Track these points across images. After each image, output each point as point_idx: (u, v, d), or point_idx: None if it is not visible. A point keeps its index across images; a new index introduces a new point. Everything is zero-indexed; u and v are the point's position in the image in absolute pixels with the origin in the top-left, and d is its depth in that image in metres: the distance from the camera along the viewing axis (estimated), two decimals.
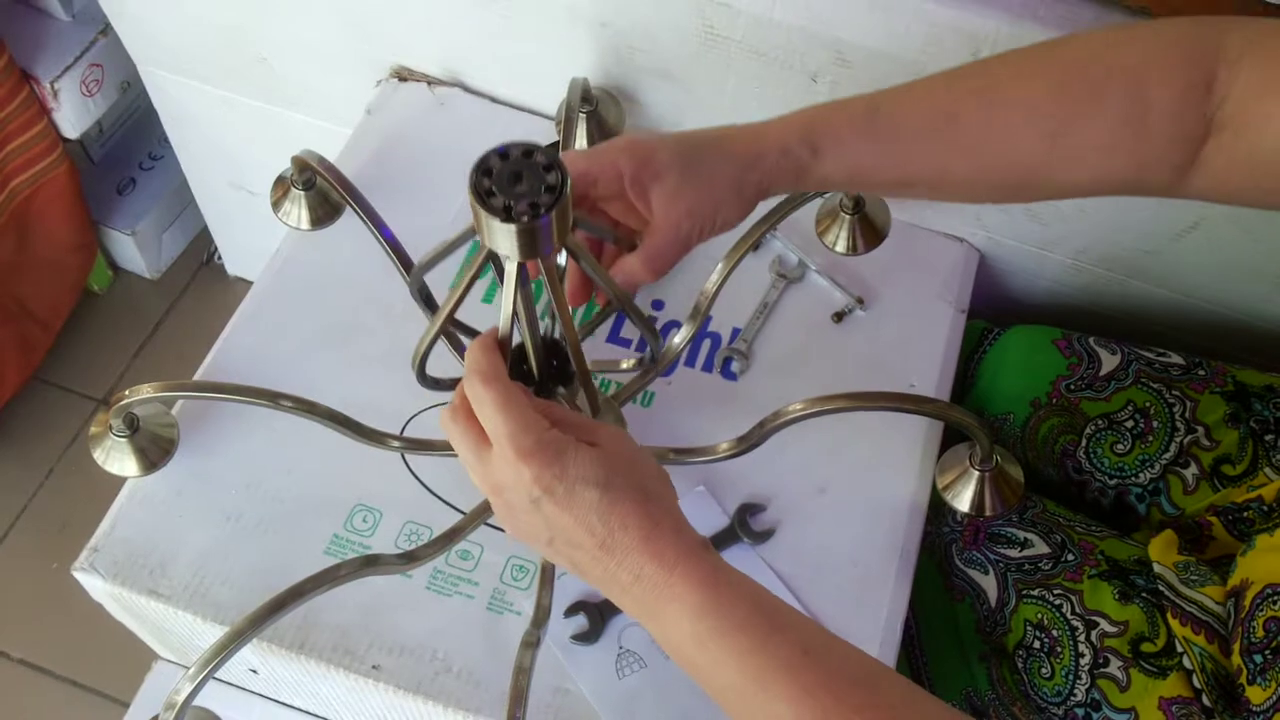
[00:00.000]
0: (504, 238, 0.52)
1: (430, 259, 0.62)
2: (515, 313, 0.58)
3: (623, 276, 0.65)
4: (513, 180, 0.51)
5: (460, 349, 0.76)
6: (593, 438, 0.55)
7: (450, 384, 0.76)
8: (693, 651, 0.52)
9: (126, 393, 0.76)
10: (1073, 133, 0.59)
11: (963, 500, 0.81)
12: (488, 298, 0.92)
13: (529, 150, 0.52)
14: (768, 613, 0.53)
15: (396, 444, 0.79)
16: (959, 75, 0.63)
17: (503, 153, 0.52)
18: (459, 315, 0.62)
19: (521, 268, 0.55)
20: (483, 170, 0.52)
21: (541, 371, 0.66)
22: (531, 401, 0.54)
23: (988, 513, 0.81)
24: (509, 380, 0.54)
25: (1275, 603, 0.68)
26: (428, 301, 0.71)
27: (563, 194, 0.51)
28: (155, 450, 0.81)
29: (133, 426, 0.80)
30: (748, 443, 0.77)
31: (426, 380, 0.71)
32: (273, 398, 0.76)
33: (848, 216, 0.87)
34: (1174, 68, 0.58)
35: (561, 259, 0.67)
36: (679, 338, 0.82)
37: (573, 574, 0.57)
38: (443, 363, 0.73)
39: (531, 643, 0.70)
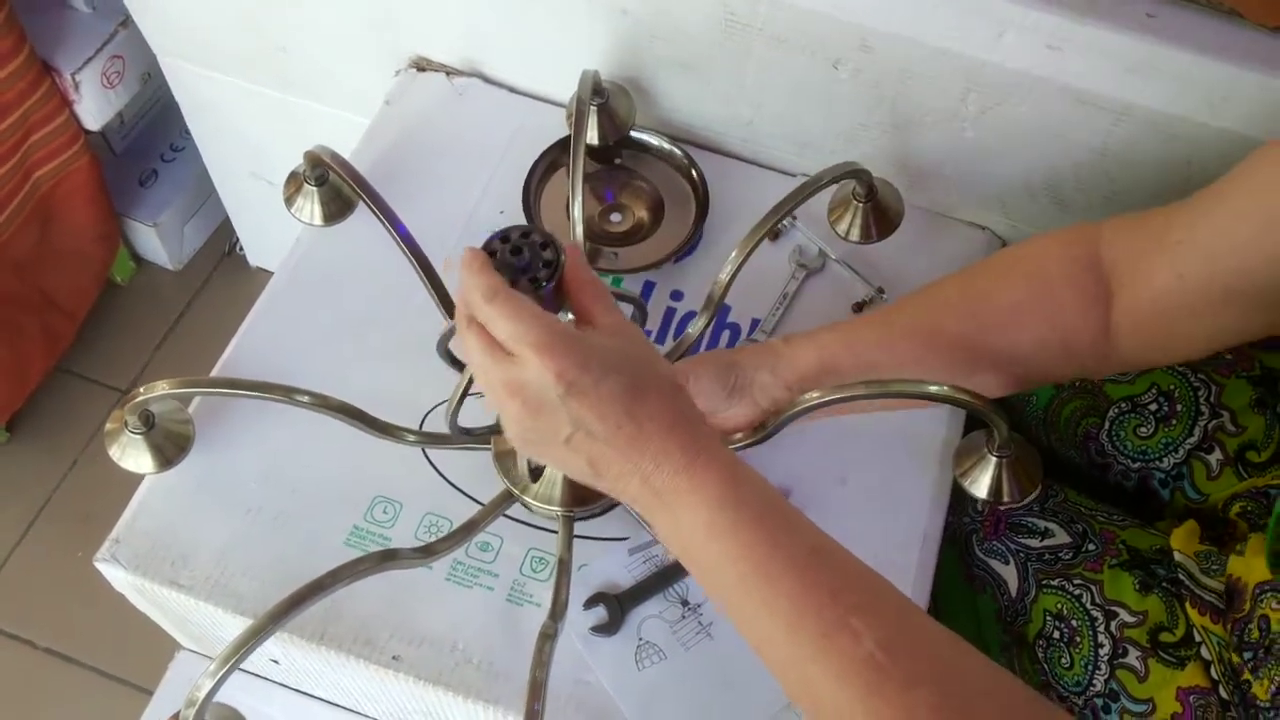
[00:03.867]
0: None
1: (450, 332, 0.70)
2: None
3: None
4: (515, 254, 0.58)
5: None
6: (609, 330, 0.56)
7: (484, 432, 0.78)
8: (704, 541, 0.54)
9: (141, 390, 0.76)
10: (990, 301, 0.72)
11: (980, 487, 0.80)
12: None
13: (526, 231, 0.59)
14: (782, 511, 0.55)
15: (413, 438, 0.79)
16: (898, 307, 0.77)
17: (503, 237, 0.59)
18: None
19: None
20: (488, 251, 0.59)
21: None
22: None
23: (1005, 500, 0.80)
24: (511, 289, 0.56)
25: (1262, 601, 0.68)
26: (453, 361, 0.75)
27: (558, 266, 0.58)
28: (171, 447, 0.81)
29: (148, 424, 0.80)
30: (765, 432, 0.76)
31: (458, 430, 0.74)
32: (288, 393, 0.76)
33: (860, 204, 0.86)
34: (1064, 247, 0.72)
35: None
36: (694, 328, 0.82)
37: (582, 476, 0.57)
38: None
39: (549, 635, 0.70)
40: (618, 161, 0.98)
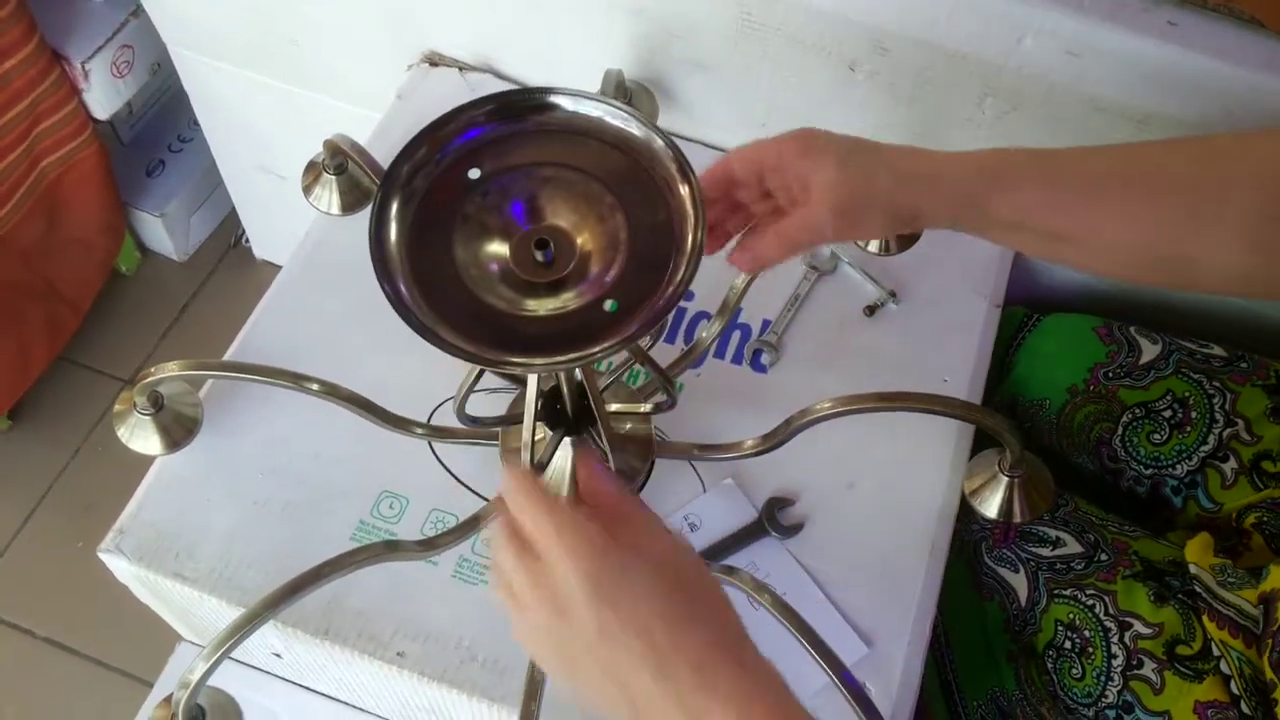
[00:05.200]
0: None
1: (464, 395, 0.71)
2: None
3: (751, 255, 0.66)
4: None
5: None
6: (641, 545, 0.52)
7: (492, 422, 0.77)
8: None
9: (152, 370, 0.76)
10: (1210, 216, 0.60)
11: (990, 506, 0.80)
12: None
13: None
14: None
15: (421, 431, 0.79)
16: (1134, 150, 0.65)
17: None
18: None
19: None
20: None
21: (575, 410, 0.70)
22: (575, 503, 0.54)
23: (1016, 519, 0.80)
24: (551, 498, 0.53)
25: None
26: (472, 422, 0.75)
27: None
28: (179, 429, 0.81)
29: (157, 405, 0.79)
30: (774, 440, 0.76)
31: (466, 419, 0.73)
32: (297, 380, 0.75)
33: None
34: None
35: None
36: (707, 333, 0.81)
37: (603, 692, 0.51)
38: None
39: None
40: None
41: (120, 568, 0.80)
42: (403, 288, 0.57)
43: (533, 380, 0.67)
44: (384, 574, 0.78)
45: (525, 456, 0.72)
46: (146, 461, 0.82)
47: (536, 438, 0.72)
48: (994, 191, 0.62)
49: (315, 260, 0.93)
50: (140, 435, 0.80)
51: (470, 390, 0.70)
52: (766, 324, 0.91)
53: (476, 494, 0.82)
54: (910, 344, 0.91)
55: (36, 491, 1.47)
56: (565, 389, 0.71)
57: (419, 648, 0.76)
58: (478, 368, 0.67)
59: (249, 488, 0.82)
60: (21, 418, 1.52)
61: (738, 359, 0.90)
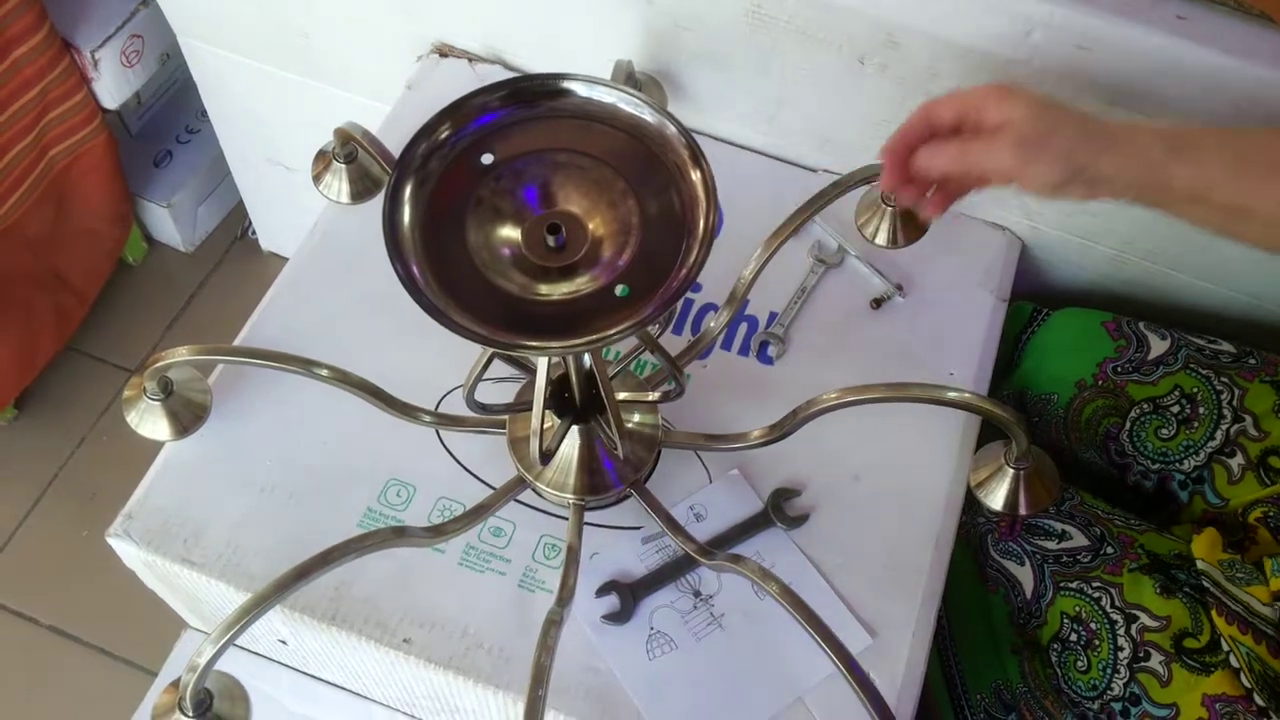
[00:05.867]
0: None
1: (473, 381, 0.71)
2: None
3: (942, 195, 0.70)
4: None
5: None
6: None
7: (499, 410, 0.78)
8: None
9: (162, 355, 0.76)
10: None
11: (996, 498, 0.80)
12: None
13: None
14: None
15: (429, 418, 0.79)
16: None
17: None
18: None
19: None
20: None
21: (583, 399, 0.71)
22: None
23: (1022, 513, 0.80)
24: None
25: None
26: (482, 409, 0.76)
27: None
28: (188, 415, 0.81)
29: (166, 390, 0.80)
30: (780, 430, 0.76)
31: (475, 405, 0.74)
32: (307, 366, 0.76)
33: (889, 208, 0.85)
34: None
35: None
36: (715, 323, 0.82)
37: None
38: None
39: (555, 621, 0.69)
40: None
41: (128, 552, 0.80)
42: (415, 269, 0.57)
43: (542, 365, 0.67)
44: (391, 561, 0.78)
45: (534, 445, 0.72)
46: (152, 451, 0.83)
47: (545, 426, 0.72)
48: (1177, 161, 0.63)
49: (323, 250, 0.93)
50: (149, 421, 0.80)
51: (480, 376, 0.70)
52: (774, 316, 0.91)
53: (484, 483, 0.82)
54: (916, 337, 0.91)
55: (42, 480, 1.47)
56: (574, 376, 0.71)
57: (425, 634, 0.76)
58: (488, 353, 0.67)
59: (257, 475, 0.82)
60: (28, 407, 1.52)
61: (744, 350, 0.90)
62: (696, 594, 0.79)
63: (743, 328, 0.91)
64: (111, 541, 0.80)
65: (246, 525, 0.80)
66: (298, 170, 1.37)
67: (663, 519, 0.76)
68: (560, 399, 0.74)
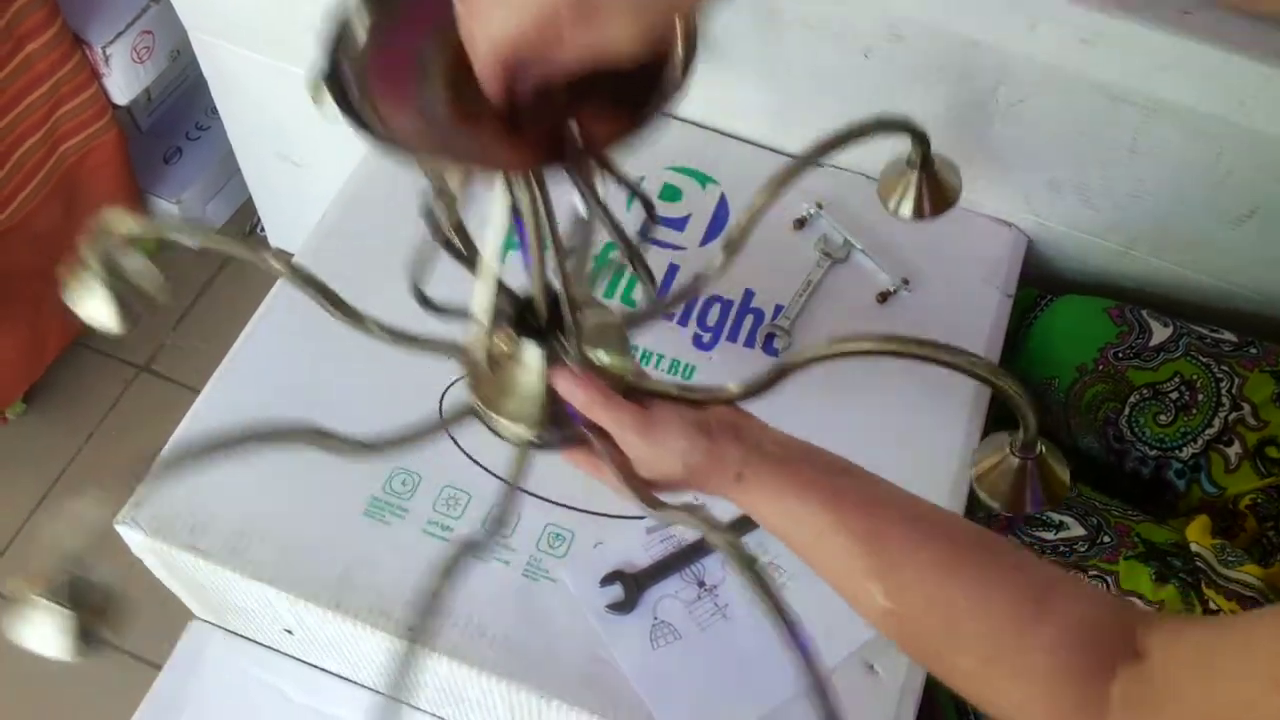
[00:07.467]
0: None
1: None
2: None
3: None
4: None
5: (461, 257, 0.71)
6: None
7: (455, 311, 0.71)
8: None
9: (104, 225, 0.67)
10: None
11: (999, 494, 0.77)
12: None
13: None
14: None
15: (377, 328, 0.73)
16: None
17: None
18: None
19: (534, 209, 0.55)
20: None
21: (550, 319, 0.64)
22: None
23: (1027, 509, 0.77)
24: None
25: None
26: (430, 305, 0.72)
27: None
28: (136, 302, 0.72)
29: (113, 271, 0.70)
30: (759, 385, 0.69)
31: (422, 298, 0.69)
32: (253, 250, 0.71)
33: (915, 173, 0.76)
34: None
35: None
36: (710, 270, 0.76)
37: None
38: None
39: (473, 545, 0.64)
40: None
41: (136, 540, 0.81)
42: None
43: (501, 194, 0.57)
44: (395, 550, 0.78)
45: (480, 336, 0.65)
46: (160, 444, 0.83)
47: (502, 344, 0.65)
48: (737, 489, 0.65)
49: (331, 240, 0.93)
50: (89, 302, 0.71)
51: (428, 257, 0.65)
52: (779, 309, 0.91)
53: (488, 470, 0.82)
54: (921, 332, 0.89)
55: (51, 475, 1.48)
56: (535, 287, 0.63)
57: (428, 623, 0.76)
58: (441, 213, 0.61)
59: (263, 463, 0.82)
60: (36, 402, 1.53)
61: (750, 342, 0.90)
62: (701, 584, 0.79)
63: (749, 320, 0.91)
64: (119, 529, 0.80)
65: (252, 513, 0.80)
66: (306, 166, 1.38)
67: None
68: (521, 318, 0.66)
